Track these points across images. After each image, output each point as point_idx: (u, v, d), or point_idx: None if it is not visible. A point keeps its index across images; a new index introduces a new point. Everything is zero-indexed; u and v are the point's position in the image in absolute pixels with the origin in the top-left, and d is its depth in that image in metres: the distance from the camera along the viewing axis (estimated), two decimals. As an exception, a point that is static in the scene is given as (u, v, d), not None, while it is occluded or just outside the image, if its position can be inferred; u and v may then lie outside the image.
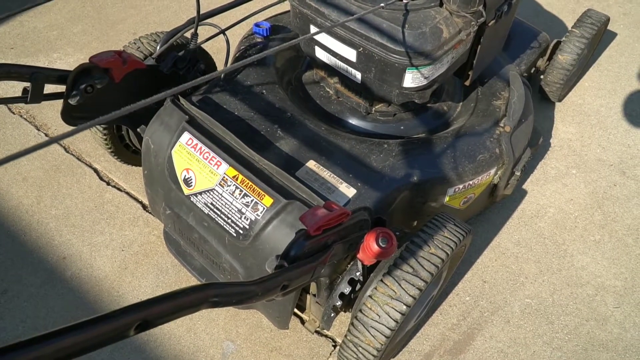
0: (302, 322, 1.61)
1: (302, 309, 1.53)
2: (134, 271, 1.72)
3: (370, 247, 1.04)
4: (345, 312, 1.41)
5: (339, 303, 1.27)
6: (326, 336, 1.59)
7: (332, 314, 1.30)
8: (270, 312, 1.47)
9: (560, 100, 2.16)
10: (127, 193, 1.93)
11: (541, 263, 1.74)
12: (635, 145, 2.07)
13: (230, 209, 1.33)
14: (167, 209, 1.52)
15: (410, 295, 1.14)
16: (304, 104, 1.70)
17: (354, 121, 1.67)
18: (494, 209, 1.86)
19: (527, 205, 1.89)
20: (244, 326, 1.60)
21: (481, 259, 1.75)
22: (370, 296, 1.17)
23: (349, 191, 1.38)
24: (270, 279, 0.87)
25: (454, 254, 1.26)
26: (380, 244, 1.04)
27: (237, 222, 1.32)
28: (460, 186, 1.51)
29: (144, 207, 1.88)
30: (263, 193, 1.30)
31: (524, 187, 1.93)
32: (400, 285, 1.15)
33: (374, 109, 1.66)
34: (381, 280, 1.17)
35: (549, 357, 1.55)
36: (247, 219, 1.30)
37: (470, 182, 1.53)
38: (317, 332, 1.58)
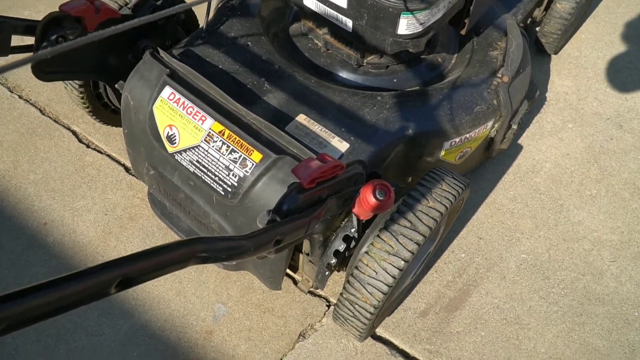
0: (295, 282, 1.58)
1: (295, 269, 1.50)
2: (119, 235, 1.66)
3: (367, 199, 0.99)
4: (339, 271, 1.37)
5: (333, 261, 1.23)
6: (319, 296, 1.56)
7: (327, 273, 1.26)
8: (262, 273, 1.43)
9: (556, 53, 2.10)
10: (109, 155, 1.86)
11: (537, 218, 1.72)
12: (633, 98, 2.03)
13: (217, 166, 1.27)
14: (150, 169, 1.45)
15: (408, 251, 1.10)
16: (291, 57, 1.62)
17: (344, 74, 1.60)
18: (489, 165, 1.82)
19: (522, 161, 1.85)
20: (235, 288, 1.57)
21: (476, 216, 1.72)
22: (366, 252, 1.13)
23: (342, 145, 1.33)
24: (262, 233, 0.83)
25: (452, 207, 1.22)
26: (378, 196, 0.99)
27: (225, 180, 1.26)
28: (457, 139, 1.46)
29: (127, 169, 1.82)
30: (251, 148, 1.24)
31: (519, 142, 1.89)
32: (397, 240, 1.11)
33: (365, 60, 1.59)
34: (378, 236, 1.13)
35: (545, 312, 1.54)
36: (235, 176, 1.25)
37: (467, 135, 1.48)
38: (310, 292, 1.55)
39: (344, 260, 1.28)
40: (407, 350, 1.48)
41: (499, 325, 1.52)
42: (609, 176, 1.82)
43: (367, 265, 1.13)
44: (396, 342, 1.49)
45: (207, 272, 1.59)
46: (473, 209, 1.73)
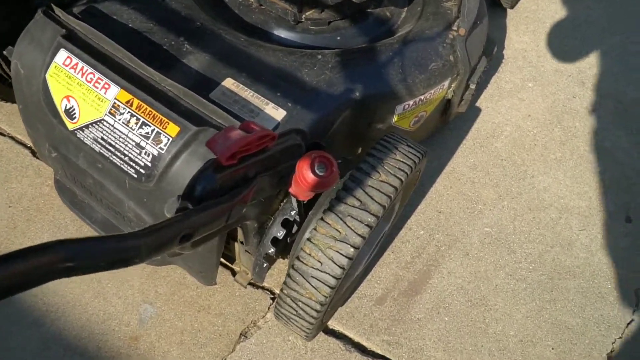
0: (234, 274, 1.39)
1: (232, 260, 1.30)
2: (25, 230, 1.42)
3: (305, 176, 0.80)
4: (283, 259, 1.18)
5: (271, 250, 1.05)
6: (263, 288, 1.38)
7: (265, 264, 1.07)
8: (191, 267, 1.23)
9: (512, 7, 1.95)
10: (12, 138, 1.59)
11: (500, 187, 1.58)
12: (594, 53, 1.90)
13: (126, 143, 1.05)
14: (52, 150, 1.21)
15: (359, 235, 0.92)
16: (217, 13, 1.39)
17: (280, 33, 1.39)
18: (446, 131, 1.66)
19: (481, 125, 1.70)
20: (165, 285, 1.36)
21: (435, 188, 1.56)
22: (309, 239, 0.95)
23: (277, 113, 1.12)
24: (162, 228, 0.62)
25: (408, 180, 1.05)
26: (317, 171, 0.80)
27: (137, 160, 1.04)
28: (411, 102, 1.29)
29: (34, 153, 1.56)
30: (166, 120, 1.03)
31: (477, 104, 1.74)
32: (345, 223, 0.93)
33: (304, 16, 1.39)
34: (321, 219, 0.94)
35: (512, 290, 1.41)
36: (148, 155, 1.03)
37: (422, 97, 1.30)
38: (251, 284, 1.36)
39: (285, 248, 1.10)
40: (364, 343, 1.32)
41: (463, 308, 1.38)
42: (574, 137, 1.70)
43: (309, 254, 0.94)
44: (351, 334, 1.33)
45: (129, 268, 1.37)
46: (430, 181, 1.58)
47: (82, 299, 1.32)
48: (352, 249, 0.91)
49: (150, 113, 1.04)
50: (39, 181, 1.51)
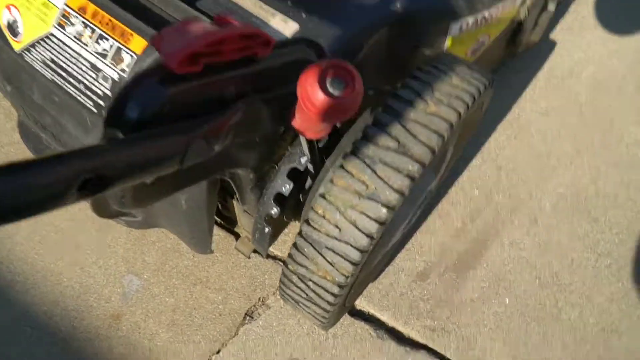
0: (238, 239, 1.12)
1: (234, 222, 1.04)
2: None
3: (310, 95, 0.51)
4: (295, 221, 0.91)
5: (274, 211, 0.77)
6: (274, 257, 1.12)
7: (266, 229, 0.80)
8: (180, 230, 0.98)
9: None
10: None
11: (578, 139, 1.24)
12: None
13: (80, 65, 0.78)
14: (5, 82, 0.96)
15: (395, 190, 0.63)
16: None
17: None
18: (512, 67, 1.33)
19: (557, 61, 1.35)
20: (154, 252, 1.11)
21: (495, 137, 1.25)
22: (322, 195, 0.67)
23: (287, 27, 0.83)
24: (40, 165, 0.35)
25: (467, 117, 0.74)
26: (329, 87, 0.51)
27: (94, 88, 0.78)
28: (471, 20, 0.96)
29: (13, 92, 1.32)
30: (129, 31, 0.75)
31: (552, 35, 1.39)
32: (375, 172, 0.64)
33: None
34: (341, 167, 0.66)
35: (593, 267, 1.10)
36: (107, 80, 0.76)
37: (486, 15, 0.98)
38: (257, 252, 1.10)
39: (296, 208, 0.82)
40: (400, 328, 1.05)
41: (530, 288, 1.08)
42: (675, 78, 1.33)
43: (323, 217, 0.66)
44: (384, 318, 1.06)
45: (113, 232, 1.13)
46: (489, 128, 1.26)
47: (54, 268, 1.09)
48: (384, 210, 0.63)
49: (109, 23, 0.76)
50: (9, 126, 1.27)
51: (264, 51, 0.57)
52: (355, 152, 0.65)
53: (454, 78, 0.71)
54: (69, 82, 0.80)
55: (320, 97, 0.51)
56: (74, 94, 0.80)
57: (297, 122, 0.61)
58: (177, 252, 1.11)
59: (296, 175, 0.76)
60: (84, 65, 0.77)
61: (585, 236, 1.14)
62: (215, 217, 1.06)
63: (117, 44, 0.75)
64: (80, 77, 0.78)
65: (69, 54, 0.78)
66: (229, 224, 1.12)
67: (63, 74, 0.79)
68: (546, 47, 1.36)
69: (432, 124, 0.65)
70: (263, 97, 0.62)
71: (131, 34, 0.75)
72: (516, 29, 1.13)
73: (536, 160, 1.22)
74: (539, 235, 1.14)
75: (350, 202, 0.64)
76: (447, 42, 1.00)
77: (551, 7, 1.13)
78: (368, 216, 0.63)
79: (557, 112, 1.29)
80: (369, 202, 0.63)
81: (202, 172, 0.65)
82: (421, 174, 0.65)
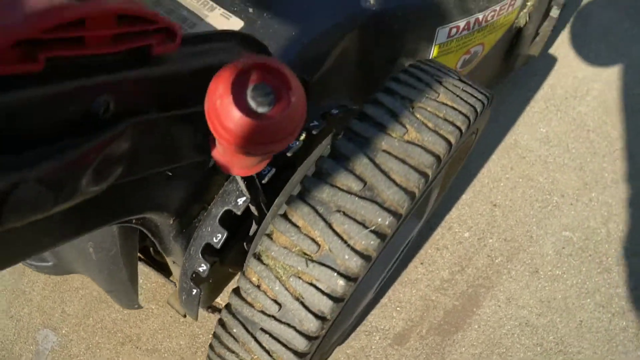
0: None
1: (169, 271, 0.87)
2: None
3: (220, 113, 0.34)
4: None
5: (202, 268, 0.60)
6: (220, 310, 0.93)
7: (194, 291, 0.63)
8: (97, 280, 0.80)
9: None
10: None
11: (585, 171, 1.10)
12: None
13: None
14: None
15: (358, 253, 0.46)
16: None
17: None
18: (508, 84, 1.18)
19: (559, 79, 1.22)
20: (76, 302, 0.94)
21: (488, 168, 1.10)
22: (257, 256, 0.49)
23: (229, 23, 0.68)
24: None
25: (459, 146, 0.58)
26: (250, 101, 0.34)
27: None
28: (462, 23, 0.82)
29: None
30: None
31: (554, 49, 1.25)
32: (331, 226, 0.47)
33: None
34: (284, 216, 0.48)
35: (606, 330, 0.95)
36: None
37: (479, 17, 0.83)
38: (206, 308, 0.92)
39: (241, 257, 0.64)
40: (372, 409, 0.87)
41: (530, 355, 0.92)
42: (695, 102, 1.20)
43: (259, 287, 0.49)
44: (352, 395, 0.88)
45: (30, 275, 0.94)
46: (483, 158, 1.11)
47: (-64, 323, 0.90)
48: (342, 282, 0.46)
49: None
50: None
51: (165, 46, 0.40)
52: (304, 195, 0.49)
53: (442, 92, 0.55)
54: None
55: (235, 116, 0.34)
56: None
57: (217, 153, 0.44)
58: (103, 302, 0.93)
59: (233, 221, 0.59)
60: None
61: (596, 291, 0.98)
62: (147, 261, 0.89)
63: None
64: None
65: None
66: (166, 270, 0.94)
67: None
68: (547, 62, 1.22)
69: (411, 157, 0.49)
70: (171, 114, 0.45)
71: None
72: (515, 36, 0.98)
73: (537, 195, 1.07)
74: (540, 289, 0.98)
75: (295, 268, 0.47)
76: (433, 51, 0.84)
77: (554, 13, 1.00)
78: (319, 289, 0.47)
79: (560, 139, 1.14)
80: (321, 269, 0.46)
81: (85, 221, 0.47)
82: (396, 228, 0.48)
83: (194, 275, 0.62)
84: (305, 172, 0.57)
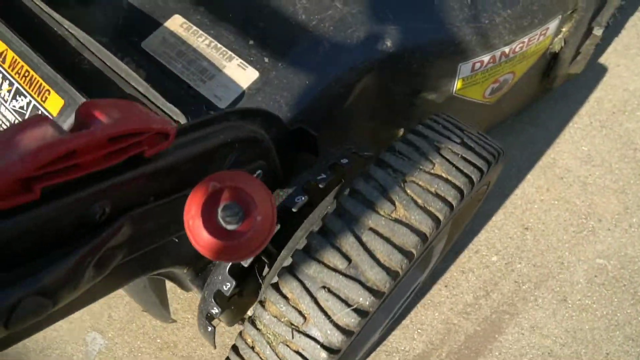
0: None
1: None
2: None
3: (192, 231, 0.38)
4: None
5: (215, 310, 0.65)
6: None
7: (209, 328, 0.68)
8: (137, 299, 0.88)
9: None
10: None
11: (628, 195, 1.06)
12: None
13: (4, 123, 0.69)
14: None
15: (340, 328, 0.50)
16: None
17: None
18: (548, 100, 1.14)
19: (605, 93, 1.17)
20: (121, 308, 1.03)
21: (522, 189, 1.08)
22: (252, 321, 0.53)
23: (245, 74, 0.71)
24: None
25: (460, 209, 0.59)
26: (221, 220, 0.38)
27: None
28: (486, 58, 0.81)
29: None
30: (46, 87, 0.65)
31: (601, 59, 1.20)
32: (316, 300, 0.50)
33: None
34: (275, 287, 0.52)
35: (635, 363, 0.93)
36: (24, 143, 0.65)
37: (506, 50, 0.81)
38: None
39: (258, 289, 0.69)
40: None
41: (551, 388, 0.92)
42: None
43: (253, 349, 0.53)
44: (368, 415, 0.92)
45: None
46: (517, 177, 1.09)
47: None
48: (324, 355, 0.49)
49: (26, 74, 0.66)
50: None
51: (158, 147, 0.44)
52: (293, 269, 0.52)
53: (437, 163, 0.56)
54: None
55: (204, 237, 0.38)
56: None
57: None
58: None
59: (238, 272, 0.64)
60: (5, 123, 0.68)
61: (627, 324, 0.96)
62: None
63: (33, 102, 0.65)
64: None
65: (-8, 109, 0.69)
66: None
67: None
68: (593, 74, 1.17)
69: (396, 237, 0.51)
70: (171, 199, 0.49)
71: (48, 90, 0.65)
72: (550, 61, 0.95)
73: (572, 219, 1.05)
74: (567, 318, 0.97)
75: (283, 336, 0.51)
76: (456, 84, 0.84)
77: (597, 31, 0.95)
78: (304, 358, 0.50)
79: (604, 158, 1.10)
80: (306, 340, 0.50)
81: (109, 285, 0.53)
82: (379, 303, 0.51)
83: (208, 315, 0.68)
84: (309, 228, 0.60)
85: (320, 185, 0.66)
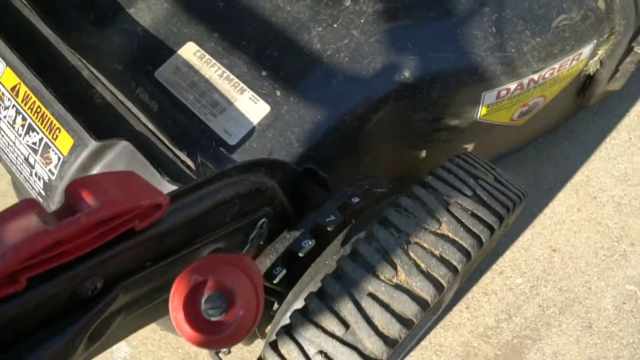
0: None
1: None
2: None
3: (177, 323, 0.38)
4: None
5: (224, 349, 0.66)
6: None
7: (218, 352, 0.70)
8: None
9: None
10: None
11: (666, 216, 1.01)
12: None
13: (17, 156, 0.71)
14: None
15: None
16: None
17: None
18: (583, 114, 1.09)
19: (648, 106, 1.09)
20: (139, 321, 1.05)
21: (552, 208, 1.04)
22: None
23: (256, 108, 0.69)
24: None
25: (471, 264, 0.57)
26: (204, 312, 0.37)
27: (32, 184, 0.70)
28: (513, 86, 0.76)
29: None
30: (57, 125, 0.66)
31: (646, 69, 1.12)
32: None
33: None
34: (273, 345, 0.52)
35: (662, 398, 0.89)
36: (40, 180, 0.68)
37: (535, 78, 0.77)
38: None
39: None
40: None
41: (571, 419, 0.90)
42: None
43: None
44: None
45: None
46: (547, 196, 1.05)
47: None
48: None
49: (39, 111, 0.67)
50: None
51: (150, 219, 0.44)
52: (291, 329, 0.52)
53: (445, 221, 0.53)
54: (16, 170, 0.73)
55: (187, 331, 0.38)
56: (23, 181, 0.73)
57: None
58: (167, 320, 1.04)
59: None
60: (20, 156, 0.69)
61: (657, 354, 0.93)
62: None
63: (45, 139, 0.66)
64: (20, 169, 0.71)
65: (6, 140, 0.71)
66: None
67: (12, 158, 0.72)
68: (630, 90, 1.10)
69: (396, 304, 0.49)
70: (167, 262, 0.49)
71: (59, 129, 0.65)
72: (586, 81, 0.90)
73: (603, 242, 1.01)
74: (592, 346, 0.94)
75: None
76: (480, 111, 0.80)
77: (638, 48, 0.89)
78: None
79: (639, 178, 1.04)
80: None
81: (111, 339, 0.54)
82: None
83: (216, 352, 0.68)
84: (314, 275, 0.60)
85: (329, 228, 0.64)
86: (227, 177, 0.52)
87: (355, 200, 0.68)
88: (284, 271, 0.63)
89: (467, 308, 1.00)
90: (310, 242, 0.62)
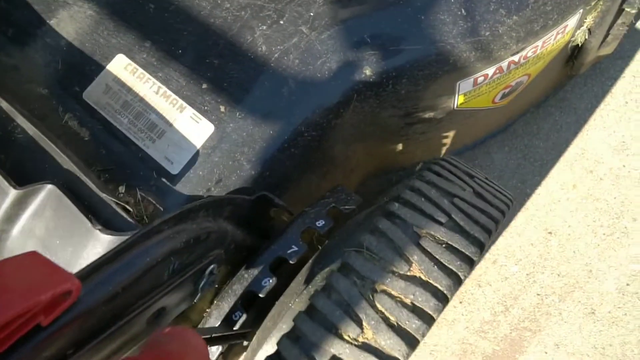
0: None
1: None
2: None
3: None
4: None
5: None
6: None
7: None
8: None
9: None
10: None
11: (669, 185, 0.93)
12: None
13: None
14: None
15: None
16: None
17: None
18: (574, 80, 1.00)
19: (646, 64, 1.00)
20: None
21: (546, 186, 0.96)
22: None
23: (199, 128, 0.62)
24: None
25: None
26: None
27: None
28: (491, 71, 0.67)
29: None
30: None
31: (638, 25, 1.03)
32: None
33: None
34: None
35: (673, 382, 0.84)
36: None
37: (514, 59, 0.68)
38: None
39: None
40: None
41: (576, 414, 0.85)
42: None
43: None
44: None
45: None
46: (540, 173, 0.97)
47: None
48: None
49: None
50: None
51: (58, 309, 0.36)
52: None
53: (415, 260, 0.46)
54: None
55: None
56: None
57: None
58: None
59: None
60: None
61: (665, 338, 0.87)
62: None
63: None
64: None
65: None
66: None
67: None
68: (625, 52, 1.00)
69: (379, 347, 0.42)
70: (99, 340, 0.42)
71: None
72: (573, 50, 0.81)
73: (602, 220, 0.93)
74: (595, 333, 0.88)
75: None
76: (457, 100, 0.72)
77: (630, 8, 0.79)
78: None
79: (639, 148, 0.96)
80: None
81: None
82: None
83: None
84: (279, 316, 0.53)
85: (291, 262, 0.57)
86: (156, 234, 0.44)
87: (320, 223, 0.60)
88: (244, 316, 0.56)
89: (460, 303, 0.93)
90: (270, 281, 0.55)
